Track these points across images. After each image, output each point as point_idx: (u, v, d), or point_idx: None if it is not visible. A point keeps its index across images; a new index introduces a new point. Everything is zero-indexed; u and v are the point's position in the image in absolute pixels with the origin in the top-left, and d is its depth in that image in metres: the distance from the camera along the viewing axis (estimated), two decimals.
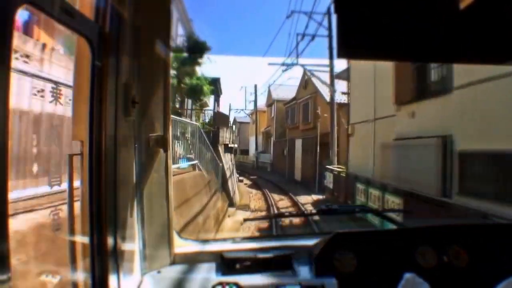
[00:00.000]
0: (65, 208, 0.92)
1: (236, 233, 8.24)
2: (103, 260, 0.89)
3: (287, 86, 27.55)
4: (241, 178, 20.27)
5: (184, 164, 8.17)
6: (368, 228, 2.80)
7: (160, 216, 1.19)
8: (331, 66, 14.60)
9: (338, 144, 15.36)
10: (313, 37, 15.20)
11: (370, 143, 9.86)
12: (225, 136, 12.41)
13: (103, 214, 0.89)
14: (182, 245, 1.31)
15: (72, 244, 0.93)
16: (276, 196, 14.54)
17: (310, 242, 1.31)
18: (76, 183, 0.90)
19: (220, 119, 12.76)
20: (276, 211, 10.69)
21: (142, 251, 1.14)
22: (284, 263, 1.20)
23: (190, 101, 13.92)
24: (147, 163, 1.14)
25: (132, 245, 1.09)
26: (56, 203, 1.02)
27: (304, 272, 1.18)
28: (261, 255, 1.21)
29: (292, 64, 15.07)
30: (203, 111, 14.58)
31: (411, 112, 7.07)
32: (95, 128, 0.88)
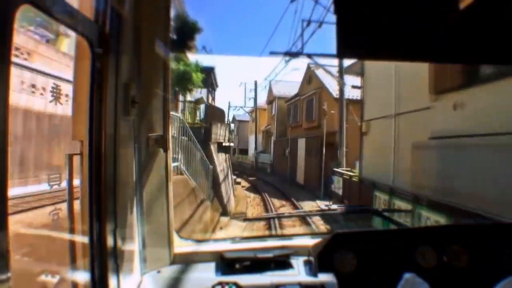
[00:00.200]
0: (64, 207, 0.92)
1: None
2: (103, 260, 0.89)
3: (289, 83, 25.89)
4: (238, 180, 18.72)
5: None
6: (368, 228, 2.39)
7: (160, 216, 1.20)
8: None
9: (346, 144, 13.76)
10: (320, 24, 13.51)
11: (390, 143, 8.21)
12: (219, 133, 10.73)
13: (103, 214, 0.89)
14: (182, 245, 1.32)
15: (72, 244, 0.94)
16: (276, 202, 12.98)
17: (310, 242, 1.32)
18: (76, 183, 0.90)
19: (213, 114, 10.93)
20: (276, 219, 9.59)
21: (142, 251, 1.15)
22: (284, 263, 1.22)
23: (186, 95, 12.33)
24: (146, 163, 1.15)
25: (132, 245, 1.09)
26: (56, 203, 1.02)
27: (304, 272, 1.18)
28: (260, 255, 1.21)
29: (296, 53, 13.37)
30: (199, 106, 13.09)
31: (457, 103, 5.40)
32: (94, 128, 0.89)
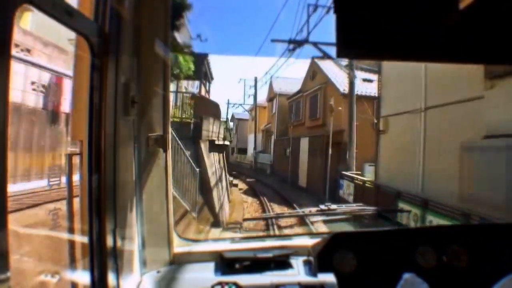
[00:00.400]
0: (64, 207, 0.92)
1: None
2: (103, 260, 0.89)
3: (291, 79, 25.05)
4: (235, 181, 17.29)
5: None
6: (367, 228, 1.76)
7: (160, 216, 1.20)
8: None
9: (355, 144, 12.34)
10: (328, 9, 12.00)
11: (417, 143, 6.75)
12: (212, 129, 9.25)
13: (103, 214, 0.89)
14: (182, 245, 1.31)
15: (72, 244, 0.94)
16: (276, 208, 11.86)
17: (310, 242, 1.32)
18: (76, 183, 0.89)
19: (205, 108, 9.38)
20: (276, 230, 8.77)
21: (141, 251, 1.15)
22: (283, 262, 1.22)
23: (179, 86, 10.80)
24: (146, 163, 1.15)
25: (132, 245, 1.09)
26: (55, 203, 1.03)
27: (304, 272, 1.18)
28: (260, 255, 1.21)
29: (301, 42, 11.91)
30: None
31: None
32: (94, 127, 0.88)
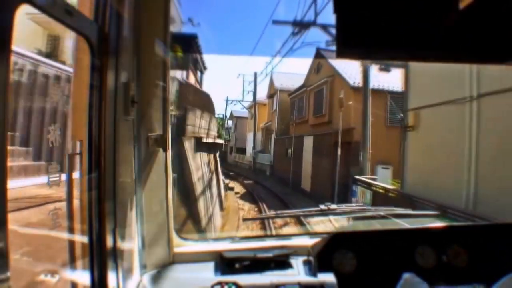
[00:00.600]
0: (64, 207, 0.93)
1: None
2: (103, 259, 0.89)
3: (292, 75, 23.12)
4: (232, 184, 15.66)
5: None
6: (367, 228, 2.03)
7: (159, 215, 1.20)
8: None
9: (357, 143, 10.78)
10: None
11: (465, 142, 5.11)
12: (200, 124, 7.61)
13: (102, 213, 0.89)
14: (181, 245, 1.31)
15: (72, 243, 0.95)
16: (279, 219, 9.82)
17: (309, 241, 1.32)
18: (75, 183, 0.90)
19: (191, 97, 7.64)
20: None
21: (141, 250, 1.15)
22: (283, 262, 1.22)
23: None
24: (146, 163, 1.15)
25: (132, 245, 1.09)
26: (55, 203, 1.00)
27: (304, 271, 1.18)
28: (260, 255, 1.22)
29: (307, 24, 10.24)
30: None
31: None
32: (94, 127, 0.88)
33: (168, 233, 1.22)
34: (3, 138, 0.53)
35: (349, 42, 0.57)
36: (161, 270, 1.17)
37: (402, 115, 7.19)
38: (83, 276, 0.90)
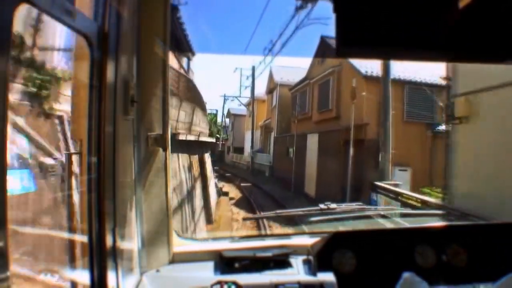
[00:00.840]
0: (64, 207, 0.93)
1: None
2: (102, 259, 0.89)
3: (293, 68, 21.38)
4: (227, 188, 14.10)
5: None
6: (367, 227, 1.92)
7: (159, 215, 1.20)
8: None
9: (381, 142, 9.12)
10: None
11: None
12: (178, 118, 5.86)
13: (102, 213, 0.89)
14: (181, 244, 1.32)
15: (71, 243, 0.95)
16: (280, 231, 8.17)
17: (309, 241, 1.32)
18: (75, 182, 0.91)
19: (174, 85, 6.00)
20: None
21: (141, 250, 1.15)
22: (283, 262, 1.22)
23: None
24: (146, 162, 1.15)
25: (131, 244, 1.09)
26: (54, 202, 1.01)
27: (303, 271, 1.19)
28: (260, 254, 1.21)
29: None
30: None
31: None
32: (94, 127, 0.88)
33: (168, 232, 1.22)
34: (3, 138, 0.53)
35: (349, 42, 0.56)
36: (160, 270, 1.17)
37: (441, 104, 5.51)
38: (82, 276, 0.90)
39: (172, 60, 8.46)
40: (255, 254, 1.21)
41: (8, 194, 0.53)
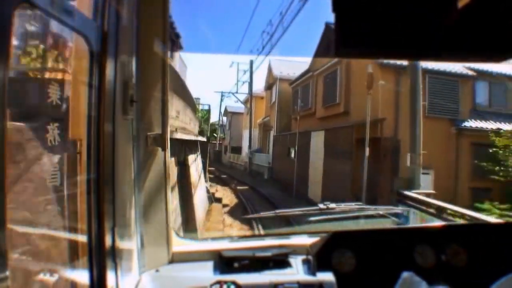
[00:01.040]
0: (63, 207, 0.92)
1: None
2: (101, 259, 0.89)
3: (293, 62, 20.22)
4: (221, 192, 12.64)
5: None
6: (366, 227, 1.90)
7: (158, 214, 1.19)
8: None
9: (395, 142, 7.72)
10: None
11: None
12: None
13: (101, 213, 0.89)
14: (180, 244, 1.31)
15: (70, 243, 0.95)
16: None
17: (308, 240, 1.31)
18: (74, 182, 0.90)
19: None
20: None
21: (140, 249, 1.14)
22: (282, 261, 1.21)
23: None
24: (145, 162, 1.14)
25: (130, 244, 1.08)
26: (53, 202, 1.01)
27: (303, 270, 1.18)
28: (259, 254, 1.21)
29: None
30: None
31: None
32: (93, 127, 0.88)
33: (167, 232, 1.22)
34: (2, 138, 0.52)
35: (348, 42, 0.56)
36: (160, 269, 1.17)
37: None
38: (82, 276, 0.90)
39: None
40: (254, 254, 1.20)
41: (8, 193, 0.53)
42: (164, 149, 1.17)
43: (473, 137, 10.02)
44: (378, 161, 8.19)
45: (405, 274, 0.98)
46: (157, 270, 1.16)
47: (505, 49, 0.58)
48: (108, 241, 0.90)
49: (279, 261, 1.20)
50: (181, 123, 7.04)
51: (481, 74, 10.31)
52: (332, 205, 1.60)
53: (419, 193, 5.65)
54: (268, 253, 1.21)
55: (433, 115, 9.69)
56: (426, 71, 9.33)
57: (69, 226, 0.93)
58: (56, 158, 0.96)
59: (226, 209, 10.55)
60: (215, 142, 38.77)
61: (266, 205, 11.05)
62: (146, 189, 1.14)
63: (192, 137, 8.12)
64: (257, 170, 20.30)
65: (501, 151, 8.31)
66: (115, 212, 0.96)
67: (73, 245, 0.94)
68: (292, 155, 14.73)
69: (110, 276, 0.90)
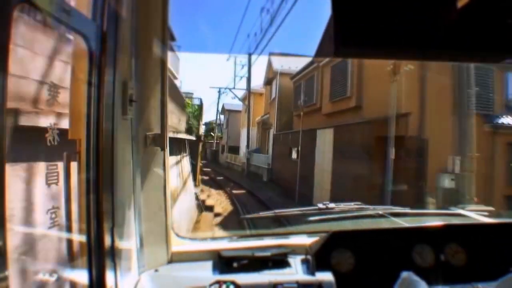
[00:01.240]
0: (62, 206, 0.92)
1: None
2: (101, 258, 0.88)
3: (294, 57, 18.50)
4: (214, 198, 11.05)
5: None
6: (365, 227, 1.89)
7: (157, 214, 1.19)
8: None
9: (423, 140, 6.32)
10: None
11: None
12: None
13: (101, 213, 0.88)
14: (179, 244, 1.30)
15: (70, 242, 0.94)
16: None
17: (307, 240, 1.32)
18: (73, 182, 0.89)
19: None
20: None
21: (140, 249, 1.14)
22: (281, 261, 1.21)
23: None
24: (144, 162, 1.14)
25: (130, 244, 1.08)
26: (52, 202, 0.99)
27: (302, 270, 1.18)
28: (258, 254, 1.21)
29: None
30: None
31: None
32: (92, 126, 0.87)
33: (166, 232, 1.21)
34: (2, 138, 0.52)
35: (347, 42, 0.55)
36: (159, 269, 1.17)
37: None
38: (81, 275, 0.89)
39: None
40: (253, 253, 1.20)
41: (7, 193, 0.53)
42: (163, 149, 1.16)
43: (511, 136, 8.47)
44: (403, 164, 6.65)
45: (404, 274, 0.97)
46: (156, 270, 1.16)
47: (505, 49, 0.57)
48: (107, 241, 0.90)
49: (278, 260, 1.21)
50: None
51: None
52: (331, 205, 1.60)
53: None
54: (267, 253, 1.21)
55: None
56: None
57: (69, 226, 0.91)
58: (55, 157, 0.92)
59: (219, 219, 9.00)
60: (212, 141, 37.21)
61: (269, 221, 9.47)
62: (145, 189, 1.14)
63: (176, 135, 6.59)
64: (256, 171, 18.79)
65: None
66: (114, 212, 0.95)
67: (73, 245, 0.92)
68: (294, 155, 13.26)
69: (109, 276, 0.90)
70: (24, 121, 1.08)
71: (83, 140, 0.88)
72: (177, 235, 1.32)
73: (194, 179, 11.45)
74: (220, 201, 11.37)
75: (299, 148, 12.32)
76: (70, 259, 0.92)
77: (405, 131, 7.24)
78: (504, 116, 8.87)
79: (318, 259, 1.15)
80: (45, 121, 0.96)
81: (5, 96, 0.52)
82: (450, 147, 6.85)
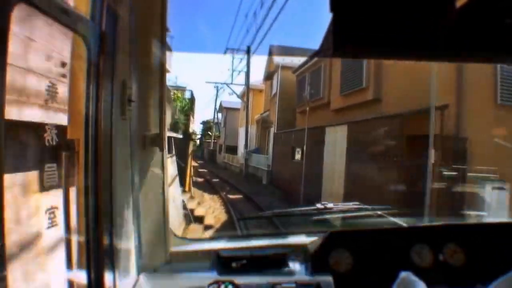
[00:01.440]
0: (60, 206, 0.92)
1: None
2: (99, 259, 0.87)
3: (296, 49, 17.76)
4: (206, 206, 9.65)
5: None
6: (364, 227, 1.77)
7: (156, 214, 1.19)
8: None
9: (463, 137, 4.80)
10: None
11: None
12: None
13: (99, 213, 0.87)
14: (178, 244, 1.31)
15: (68, 242, 0.94)
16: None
17: (306, 240, 1.32)
18: (72, 182, 0.90)
19: None
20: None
21: (138, 249, 1.14)
22: (280, 261, 1.21)
23: None
24: (142, 162, 1.14)
25: (128, 244, 1.08)
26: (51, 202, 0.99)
27: (300, 270, 1.18)
28: (257, 254, 1.21)
29: None
30: None
31: None
32: (91, 126, 0.87)
33: (165, 232, 1.21)
34: (2, 138, 0.52)
35: (347, 42, 0.55)
36: (157, 270, 1.17)
37: None
38: (79, 276, 0.89)
39: None
40: (252, 253, 1.20)
41: (5, 192, 0.52)
42: (161, 149, 1.17)
43: None
44: (446, 170, 5.19)
45: (403, 274, 0.96)
46: (155, 270, 1.16)
47: (505, 49, 0.56)
48: (106, 241, 0.89)
49: (277, 261, 1.20)
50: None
51: None
52: (330, 205, 1.60)
53: None
54: (266, 253, 1.22)
55: (508, 103, 6.71)
56: None
57: (67, 227, 0.92)
58: (53, 157, 0.93)
59: (209, 232, 7.52)
60: (209, 140, 35.84)
61: (265, 226, 8.02)
62: (143, 189, 1.14)
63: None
64: (255, 173, 17.30)
65: None
66: (113, 212, 0.95)
67: (71, 245, 0.93)
68: (298, 156, 11.85)
69: (108, 276, 0.89)
70: (23, 119, 1.01)
71: (81, 140, 0.89)
72: (176, 235, 1.33)
73: (183, 183, 9.97)
74: (213, 209, 9.91)
75: (304, 148, 10.86)
76: (69, 259, 0.93)
77: (440, 129, 5.79)
78: None
79: (316, 259, 1.16)
80: (43, 121, 0.93)
81: (4, 96, 0.53)
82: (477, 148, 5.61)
